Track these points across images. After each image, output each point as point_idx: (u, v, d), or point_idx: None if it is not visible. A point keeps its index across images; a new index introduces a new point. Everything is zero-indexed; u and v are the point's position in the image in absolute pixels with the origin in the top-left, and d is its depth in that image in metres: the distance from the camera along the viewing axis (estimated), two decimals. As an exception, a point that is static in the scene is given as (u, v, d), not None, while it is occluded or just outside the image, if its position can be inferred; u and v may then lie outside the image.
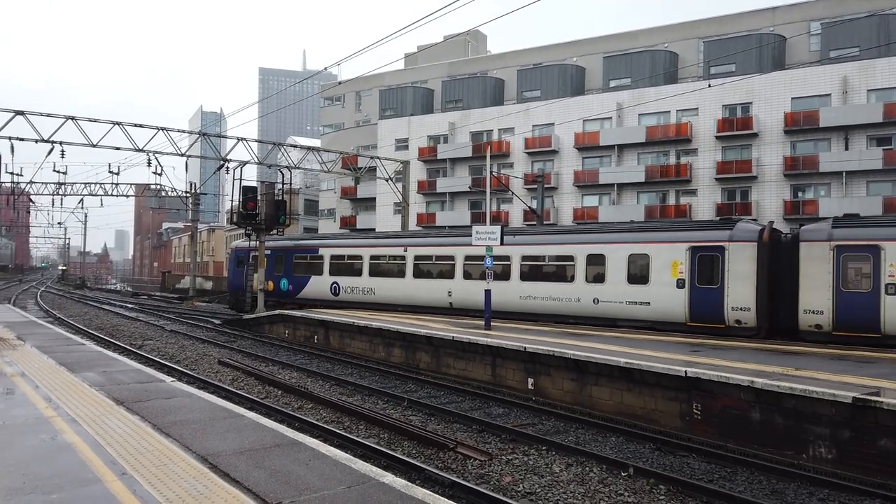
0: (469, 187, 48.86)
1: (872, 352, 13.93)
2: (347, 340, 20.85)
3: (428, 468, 8.62)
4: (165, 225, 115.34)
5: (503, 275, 21.34)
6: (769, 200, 39.30)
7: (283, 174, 30.09)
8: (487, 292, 18.33)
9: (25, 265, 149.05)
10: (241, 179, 29.54)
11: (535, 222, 33.21)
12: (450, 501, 5.25)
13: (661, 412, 11.66)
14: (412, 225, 45.84)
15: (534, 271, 21.03)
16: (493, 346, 15.02)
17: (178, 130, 30.43)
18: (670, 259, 17.91)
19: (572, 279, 19.96)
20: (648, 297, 18.21)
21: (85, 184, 50.45)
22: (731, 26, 45.35)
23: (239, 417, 8.04)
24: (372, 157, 38.76)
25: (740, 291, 16.65)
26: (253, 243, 28.69)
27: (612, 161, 44.42)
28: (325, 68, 21.04)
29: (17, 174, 36.85)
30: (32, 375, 10.69)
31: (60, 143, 27.91)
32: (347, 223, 57.90)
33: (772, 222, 18.92)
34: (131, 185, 55.00)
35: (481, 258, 20.66)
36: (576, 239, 20.52)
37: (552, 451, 9.98)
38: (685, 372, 11.09)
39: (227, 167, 31.11)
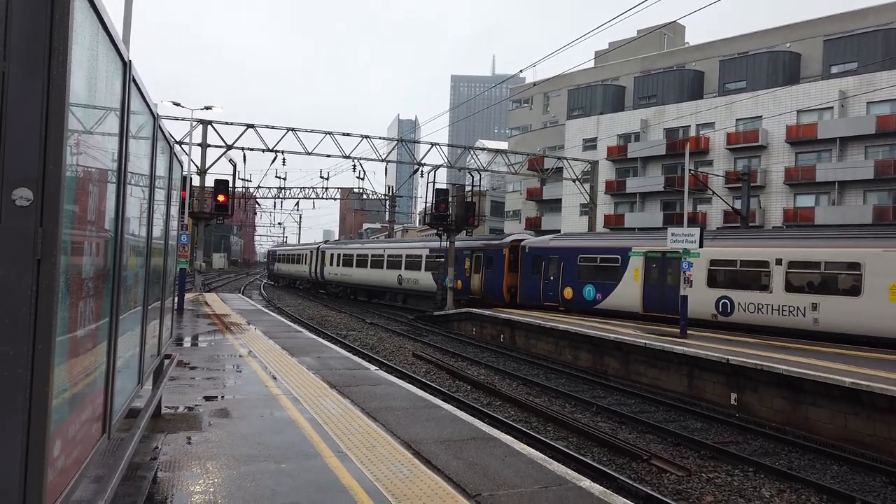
0: (663, 187, 46.47)
1: None
2: (533, 341, 20.92)
3: (621, 477, 8.36)
4: (366, 225, 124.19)
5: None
6: None
7: (471, 176, 31.04)
8: (684, 298, 17.30)
9: (251, 260, 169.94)
10: (433, 182, 31.05)
11: (738, 224, 30.68)
12: (651, 514, 5.03)
13: (897, 443, 10.16)
14: (599, 227, 44.73)
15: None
16: (691, 356, 14.14)
17: (379, 138, 32.77)
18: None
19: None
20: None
21: (300, 188, 56.39)
22: None
23: (436, 408, 8.44)
24: (559, 158, 38.48)
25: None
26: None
27: (833, 156, 39.52)
28: (520, 71, 21.28)
29: (247, 180, 42.16)
30: (261, 356, 12.17)
31: (283, 152, 31.42)
32: (532, 224, 58.03)
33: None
34: (338, 188, 60.47)
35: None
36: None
37: (760, 474, 9.14)
38: (930, 399, 9.54)
39: (422, 171, 32.83)
